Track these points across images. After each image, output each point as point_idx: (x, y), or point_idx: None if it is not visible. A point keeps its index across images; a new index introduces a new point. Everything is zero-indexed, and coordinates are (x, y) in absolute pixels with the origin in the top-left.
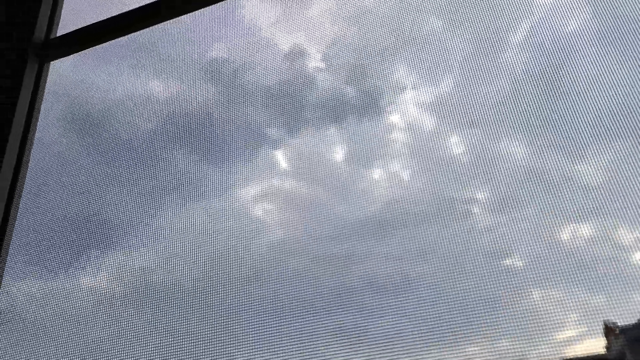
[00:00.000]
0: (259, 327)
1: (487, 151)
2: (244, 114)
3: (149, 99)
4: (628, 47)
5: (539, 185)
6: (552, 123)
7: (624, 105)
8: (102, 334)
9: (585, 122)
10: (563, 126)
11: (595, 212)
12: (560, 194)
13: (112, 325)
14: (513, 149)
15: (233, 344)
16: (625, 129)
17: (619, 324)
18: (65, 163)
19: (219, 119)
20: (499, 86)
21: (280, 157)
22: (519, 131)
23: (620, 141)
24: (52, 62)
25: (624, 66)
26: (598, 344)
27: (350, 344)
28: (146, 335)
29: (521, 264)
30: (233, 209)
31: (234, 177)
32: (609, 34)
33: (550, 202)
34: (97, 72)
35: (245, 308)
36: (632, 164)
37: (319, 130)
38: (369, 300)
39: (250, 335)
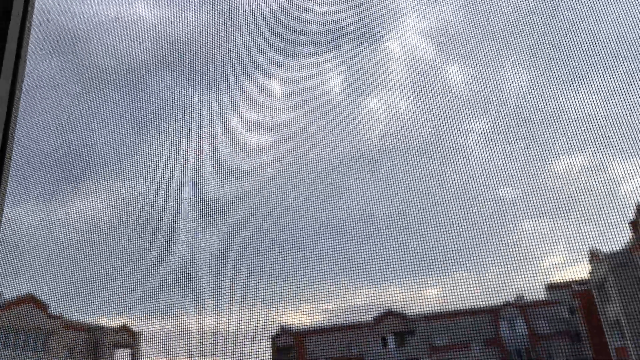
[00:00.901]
0: (249, 252)
1: (486, 82)
2: (237, 39)
3: (138, 23)
4: None
5: (535, 116)
6: (551, 53)
7: (622, 35)
8: (98, 260)
9: (583, 52)
10: (562, 56)
11: (589, 144)
12: (556, 125)
13: (108, 252)
14: (511, 79)
15: (223, 270)
16: (622, 60)
17: (603, 251)
18: (54, 92)
19: (211, 44)
20: (499, 14)
21: (275, 85)
22: (518, 61)
23: (618, 71)
24: None
25: None
26: (582, 270)
27: (341, 271)
28: (141, 260)
29: (514, 194)
30: (225, 138)
31: (226, 105)
32: None
33: (545, 133)
34: None
35: (238, 235)
36: (628, 95)
37: (315, 57)
38: (362, 230)
39: (241, 260)
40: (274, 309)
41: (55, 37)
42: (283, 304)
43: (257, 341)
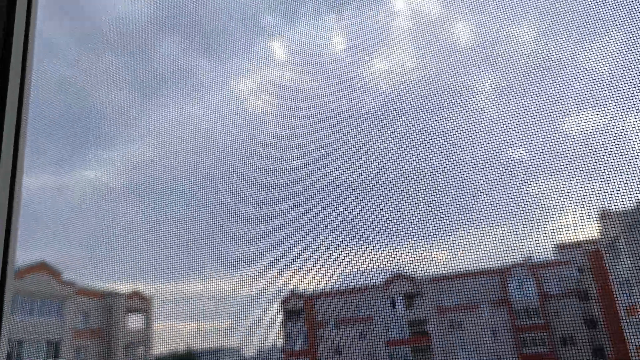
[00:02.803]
0: (259, 217)
1: (494, 38)
2: (238, 2)
3: None
4: None
5: (544, 74)
6: (561, 7)
7: None
8: (109, 226)
9: (594, 5)
10: (571, 10)
11: (600, 100)
12: (566, 82)
13: (118, 218)
14: (520, 35)
15: (233, 235)
16: (635, 13)
17: (614, 209)
18: (58, 56)
19: (214, 8)
20: None
21: (277, 48)
22: (526, 16)
23: (630, 26)
24: None
25: None
26: (593, 229)
27: (350, 235)
28: (151, 225)
29: (524, 154)
30: (230, 102)
31: (230, 69)
32: None
33: (555, 90)
34: None
35: (246, 200)
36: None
37: (317, 18)
38: (371, 193)
39: (251, 225)
40: (284, 272)
41: (56, 2)
42: (293, 268)
43: (267, 305)
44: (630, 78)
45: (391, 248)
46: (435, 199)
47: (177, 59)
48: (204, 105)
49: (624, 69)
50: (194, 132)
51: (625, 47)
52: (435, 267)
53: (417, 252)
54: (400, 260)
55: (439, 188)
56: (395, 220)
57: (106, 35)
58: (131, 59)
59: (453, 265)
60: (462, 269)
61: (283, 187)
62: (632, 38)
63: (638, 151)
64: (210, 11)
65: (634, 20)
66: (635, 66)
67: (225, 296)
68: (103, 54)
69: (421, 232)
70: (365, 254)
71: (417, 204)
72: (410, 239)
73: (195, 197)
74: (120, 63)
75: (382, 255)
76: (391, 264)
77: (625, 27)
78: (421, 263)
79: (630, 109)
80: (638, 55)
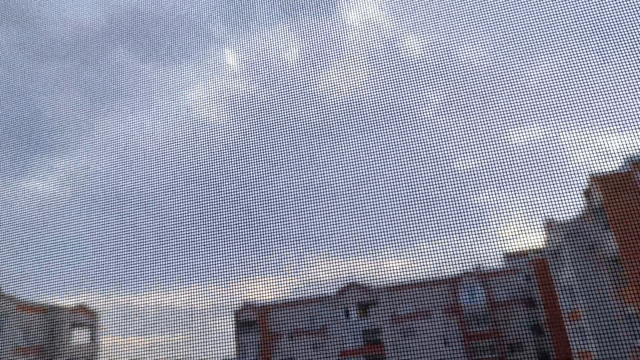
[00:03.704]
0: (209, 228)
1: (443, 53)
2: (190, 9)
3: None
4: None
5: (491, 88)
6: (507, 27)
7: (582, 8)
8: (51, 239)
9: (538, 25)
10: (518, 31)
11: (544, 115)
12: (511, 97)
13: (61, 229)
14: (468, 51)
15: (183, 246)
16: (575, 35)
17: (558, 219)
18: (3, 63)
19: (164, 15)
20: None
21: (229, 57)
22: (476, 33)
23: (571, 46)
24: None
25: None
26: (538, 239)
27: (303, 244)
28: (95, 237)
29: (472, 165)
30: (180, 111)
31: (180, 77)
32: None
33: (502, 104)
34: None
35: (195, 211)
36: (580, 69)
37: (270, 27)
38: (324, 203)
39: (202, 236)
40: (236, 284)
41: (3, 7)
42: (246, 280)
43: (220, 317)
44: (572, 95)
45: (345, 258)
46: (387, 209)
47: (127, 67)
48: (154, 113)
49: (566, 86)
50: (144, 141)
51: (566, 67)
52: (388, 276)
53: (371, 262)
54: (354, 269)
55: (390, 198)
56: (348, 230)
57: (54, 42)
58: (80, 67)
59: (406, 274)
60: (414, 278)
61: (234, 198)
62: (572, 59)
63: (579, 164)
64: (163, 19)
65: (574, 43)
66: (577, 84)
67: (176, 309)
68: (51, 60)
69: (374, 242)
70: (319, 264)
71: (369, 214)
72: (363, 249)
73: (144, 208)
74: (65, 69)
75: (336, 264)
76: (345, 274)
77: (565, 49)
78: (375, 272)
79: (571, 125)
80: (578, 75)
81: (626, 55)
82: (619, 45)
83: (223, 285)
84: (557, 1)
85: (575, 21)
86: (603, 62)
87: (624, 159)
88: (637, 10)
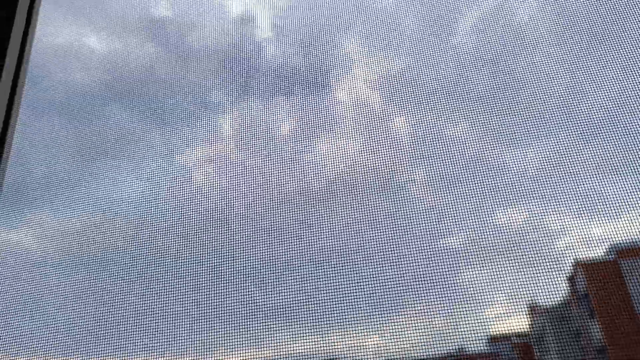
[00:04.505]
0: (196, 290)
1: (430, 134)
2: (188, 77)
3: (88, 53)
4: (574, 43)
5: (477, 169)
6: (494, 111)
7: (563, 98)
8: (26, 293)
9: (525, 112)
10: (504, 115)
11: (528, 199)
12: (496, 179)
13: (38, 289)
14: (454, 132)
15: (168, 309)
16: (560, 122)
17: (542, 304)
18: None
19: (163, 80)
20: (447, 70)
21: (225, 124)
22: (463, 115)
23: (556, 133)
24: None
25: (568, 63)
26: (523, 322)
27: (277, 318)
28: (77, 298)
29: (456, 244)
30: (173, 173)
31: (175, 140)
32: (556, 28)
33: (487, 185)
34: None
35: (184, 274)
36: (564, 156)
37: (266, 100)
38: (308, 274)
39: (188, 302)
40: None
41: None
42: (215, 356)
43: None
44: (556, 181)
45: (320, 333)
46: (367, 284)
47: (119, 126)
48: (145, 175)
49: (550, 172)
50: (132, 203)
51: (550, 153)
52: (366, 354)
53: (347, 339)
54: (330, 346)
55: (371, 273)
56: (325, 305)
57: (42, 97)
58: (70, 123)
59: (385, 352)
60: (394, 357)
61: (218, 265)
62: (557, 145)
63: (562, 249)
64: (160, 80)
65: (558, 128)
66: (559, 170)
67: None
68: (39, 114)
69: (352, 318)
70: (292, 340)
71: (348, 289)
72: (341, 325)
73: (126, 270)
74: (58, 126)
75: (311, 340)
76: (321, 351)
77: (552, 134)
78: (351, 350)
79: (556, 209)
80: (563, 157)
81: (609, 144)
82: (603, 134)
83: None
84: (541, 84)
85: (562, 108)
86: (587, 148)
87: (607, 247)
88: (618, 104)
